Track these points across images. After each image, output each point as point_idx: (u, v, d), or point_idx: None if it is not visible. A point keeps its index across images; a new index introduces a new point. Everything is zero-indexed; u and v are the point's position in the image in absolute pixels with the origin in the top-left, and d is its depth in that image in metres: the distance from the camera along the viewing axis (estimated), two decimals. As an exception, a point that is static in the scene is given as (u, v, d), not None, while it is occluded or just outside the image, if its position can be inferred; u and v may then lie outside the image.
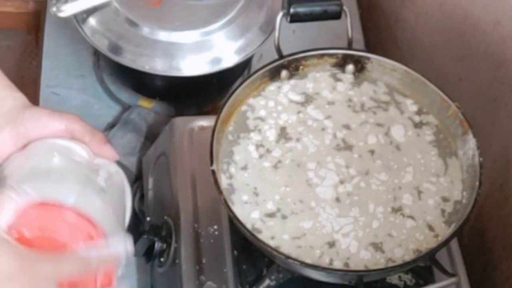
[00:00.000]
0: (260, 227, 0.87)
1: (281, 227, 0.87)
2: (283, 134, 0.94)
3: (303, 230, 0.87)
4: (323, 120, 0.95)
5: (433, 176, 0.91)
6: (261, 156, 0.92)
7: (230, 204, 0.86)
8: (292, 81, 0.97)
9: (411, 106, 0.96)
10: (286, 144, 0.93)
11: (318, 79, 0.98)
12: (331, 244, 0.86)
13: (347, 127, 0.94)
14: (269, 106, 0.95)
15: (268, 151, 0.92)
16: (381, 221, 0.88)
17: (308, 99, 0.96)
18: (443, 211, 0.89)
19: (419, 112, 0.95)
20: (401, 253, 0.86)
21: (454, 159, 0.92)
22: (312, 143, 0.93)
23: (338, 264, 0.85)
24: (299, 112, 0.95)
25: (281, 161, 0.91)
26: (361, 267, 0.85)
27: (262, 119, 0.94)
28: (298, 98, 0.96)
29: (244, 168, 0.91)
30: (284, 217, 0.88)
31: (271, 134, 0.93)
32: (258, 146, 0.92)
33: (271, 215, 0.88)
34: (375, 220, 0.88)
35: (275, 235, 0.87)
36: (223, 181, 0.89)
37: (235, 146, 0.92)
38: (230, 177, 0.90)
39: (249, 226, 0.86)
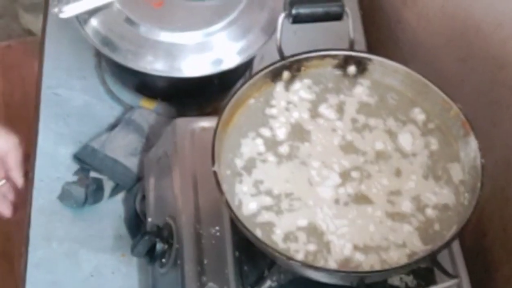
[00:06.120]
0: (253, 220, 0.87)
1: (276, 222, 0.87)
2: (293, 131, 0.94)
3: (297, 227, 0.87)
4: (335, 121, 0.95)
5: (436, 186, 0.91)
6: (267, 150, 0.92)
7: (230, 202, 0.86)
8: (306, 80, 0.97)
9: (419, 115, 0.96)
10: (294, 141, 0.93)
11: (332, 80, 0.98)
12: (325, 244, 0.86)
13: (357, 130, 0.94)
14: (281, 104, 0.95)
15: (276, 146, 0.93)
16: (378, 225, 0.88)
17: (321, 99, 0.96)
18: (441, 220, 0.89)
19: (426, 121, 0.95)
20: (397, 257, 0.86)
21: (456, 164, 0.92)
22: (320, 142, 0.93)
23: (332, 265, 0.85)
24: (311, 110, 0.95)
25: (286, 157, 0.92)
26: (356, 269, 0.85)
27: (273, 116, 0.95)
28: (310, 97, 0.96)
29: (249, 160, 0.91)
30: (280, 212, 0.88)
31: (281, 131, 0.94)
32: (267, 140, 0.93)
33: (268, 208, 0.88)
34: (372, 224, 0.88)
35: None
36: (226, 172, 0.89)
37: (244, 138, 0.92)
38: (234, 167, 0.90)
39: (245, 215, 0.87)
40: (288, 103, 0.96)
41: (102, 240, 1.11)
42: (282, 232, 0.87)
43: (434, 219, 0.89)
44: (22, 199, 1.18)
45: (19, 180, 1.17)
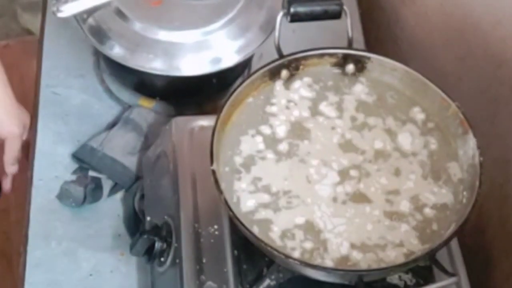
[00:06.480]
0: (251, 217, 0.87)
1: (273, 219, 0.87)
2: (293, 129, 0.94)
3: (294, 225, 0.87)
4: (335, 119, 0.95)
5: (435, 185, 0.91)
6: (267, 147, 0.92)
7: (228, 200, 0.86)
8: (306, 79, 0.97)
9: (419, 114, 0.96)
10: (294, 139, 0.93)
11: (332, 79, 0.98)
12: (322, 242, 0.86)
13: (356, 129, 0.94)
14: (282, 102, 0.95)
15: (275, 144, 0.93)
16: (376, 224, 0.88)
17: (321, 97, 0.96)
18: (439, 219, 0.89)
19: (426, 120, 0.95)
20: (394, 256, 0.86)
21: (455, 163, 0.92)
22: (319, 140, 0.93)
23: (329, 263, 0.85)
24: (311, 108, 0.95)
25: (285, 155, 0.92)
26: (353, 268, 0.85)
27: (274, 114, 0.95)
28: (311, 95, 0.96)
29: (248, 157, 0.91)
30: (277, 209, 0.88)
31: (281, 129, 0.94)
32: (266, 138, 0.93)
33: (266, 205, 0.88)
34: (369, 223, 0.88)
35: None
36: (224, 169, 0.89)
37: (243, 136, 0.92)
38: (233, 164, 0.90)
39: (243, 212, 0.87)
40: (289, 101, 0.96)
41: (101, 239, 1.11)
42: (280, 229, 0.87)
43: (432, 218, 0.89)
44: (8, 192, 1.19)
45: (8, 169, 1.18)
